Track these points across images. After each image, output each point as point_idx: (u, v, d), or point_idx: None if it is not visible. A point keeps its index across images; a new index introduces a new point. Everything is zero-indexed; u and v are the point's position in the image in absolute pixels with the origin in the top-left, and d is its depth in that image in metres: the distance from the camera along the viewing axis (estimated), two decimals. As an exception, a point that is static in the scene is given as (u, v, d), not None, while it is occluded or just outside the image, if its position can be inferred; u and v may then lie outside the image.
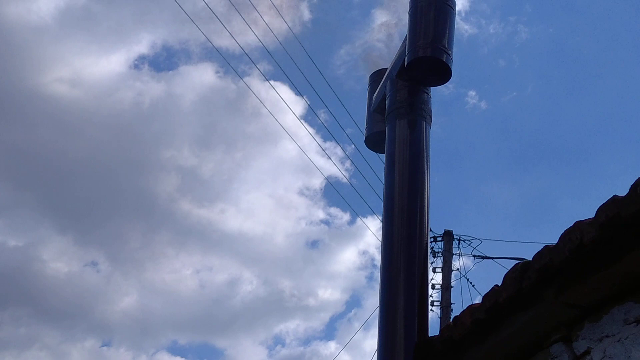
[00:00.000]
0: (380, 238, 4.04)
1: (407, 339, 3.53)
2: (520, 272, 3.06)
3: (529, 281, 3.02)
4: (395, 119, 4.23)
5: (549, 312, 3.12)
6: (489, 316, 3.26)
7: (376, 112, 4.68)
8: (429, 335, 3.67)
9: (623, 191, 2.65)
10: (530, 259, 3.11)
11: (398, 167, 4.06)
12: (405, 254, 3.78)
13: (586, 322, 3.07)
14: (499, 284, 3.25)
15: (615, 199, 2.60)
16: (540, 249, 2.99)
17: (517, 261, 3.29)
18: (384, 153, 4.42)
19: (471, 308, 3.39)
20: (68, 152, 35.59)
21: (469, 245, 18.63)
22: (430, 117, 4.29)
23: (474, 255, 18.50)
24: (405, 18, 4.35)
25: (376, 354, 3.68)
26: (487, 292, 3.28)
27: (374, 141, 4.75)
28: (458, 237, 18.72)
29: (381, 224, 4.05)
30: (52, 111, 34.61)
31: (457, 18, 4.34)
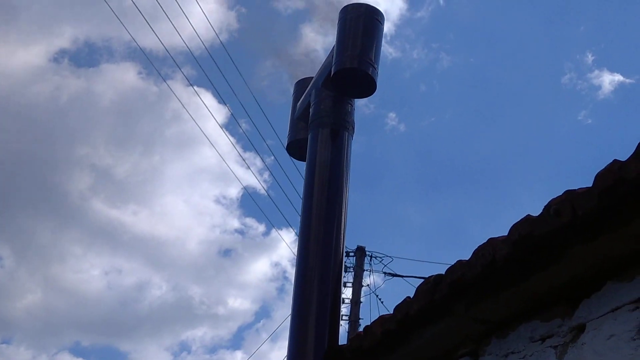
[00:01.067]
0: (294, 251, 4.03)
1: (317, 347, 3.52)
2: (433, 285, 3.09)
3: (440, 294, 3.06)
4: (318, 127, 4.24)
5: (458, 326, 3.16)
6: (400, 327, 3.28)
7: (299, 119, 4.68)
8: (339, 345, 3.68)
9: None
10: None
11: (318, 175, 4.07)
12: (321, 263, 3.78)
13: (493, 337, 3.13)
14: (410, 297, 3.29)
15: (528, 218, 2.66)
16: (453, 264, 3.03)
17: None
18: (304, 161, 4.42)
19: (382, 318, 3.42)
20: (-24, 141, 34.30)
21: (380, 262, 18.89)
22: (353, 128, 4.32)
23: (385, 273, 18.75)
24: (331, 36, 4.39)
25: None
26: (399, 304, 3.31)
27: (295, 148, 4.74)
28: (370, 254, 18.94)
29: (296, 237, 4.04)
30: (-39, 97, 33.36)
31: (382, 40, 4.37)
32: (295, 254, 3.93)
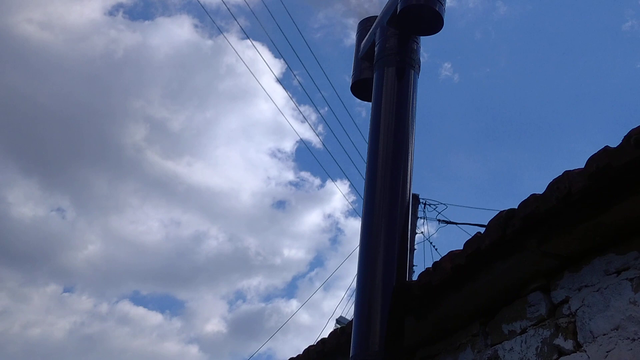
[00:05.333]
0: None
1: (385, 283, 3.55)
2: (505, 220, 3.08)
3: (512, 229, 3.04)
4: (384, 66, 4.21)
5: (529, 261, 3.15)
6: (470, 262, 3.29)
7: (364, 59, 4.65)
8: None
9: None
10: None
11: (384, 113, 4.05)
12: (388, 200, 3.78)
13: (566, 272, 3.12)
14: (480, 232, 3.28)
15: (606, 150, 2.62)
16: (526, 198, 3.01)
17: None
18: (368, 101, 4.40)
19: (452, 254, 3.42)
20: (35, 96, 34.92)
21: (434, 209, 18.79)
22: (419, 66, 4.27)
23: (439, 220, 18.67)
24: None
25: (354, 296, 3.71)
26: (470, 239, 3.31)
27: (359, 88, 4.72)
28: (424, 201, 18.87)
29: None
30: (20, 52, 33.88)
31: None
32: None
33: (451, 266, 3.39)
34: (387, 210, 3.79)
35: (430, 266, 3.64)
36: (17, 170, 37.89)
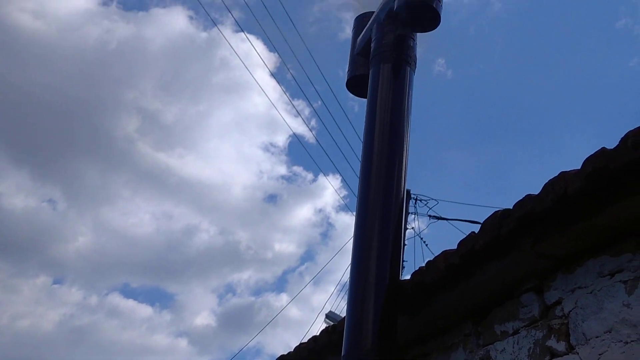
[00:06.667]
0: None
1: (378, 281, 3.53)
2: (500, 219, 3.07)
3: (507, 228, 3.03)
4: (380, 62, 4.18)
5: (523, 261, 3.14)
6: (463, 262, 3.28)
7: (359, 55, 4.62)
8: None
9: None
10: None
11: (380, 110, 4.02)
12: (382, 198, 3.76)
13: (559, 273, 3.11)
14: (474, 232, 3.26)
15: (603, 151, 2.60)
16: (521, 198, 3.00)
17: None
18: (364, 97, 4.37)
19: (446, 253, 3.41)
20: (26, 85, 34.76)
21: (425, 205, 18.85)
22: (415, 63, 4.25)
23: (430, 216, 18.71)
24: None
25: (344, 291, 3.69)
26: (464, 238, 3.29)
27: (355, 85, 4.69)
28: (415, 197, 18.89)
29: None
30: (12, 41, 33.69)
31: None
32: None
33: (445, 265, 3.38)
34: (381, 207, 3.77)
35: (423, 264, 3.63)
36: (8, 161, 37.76)
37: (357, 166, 4.08)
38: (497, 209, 3.15)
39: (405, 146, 3.98)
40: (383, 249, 3.60)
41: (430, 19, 4.20)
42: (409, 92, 4.12)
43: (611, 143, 2.60)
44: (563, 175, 2.77)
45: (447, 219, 18.64)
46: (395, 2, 4.16)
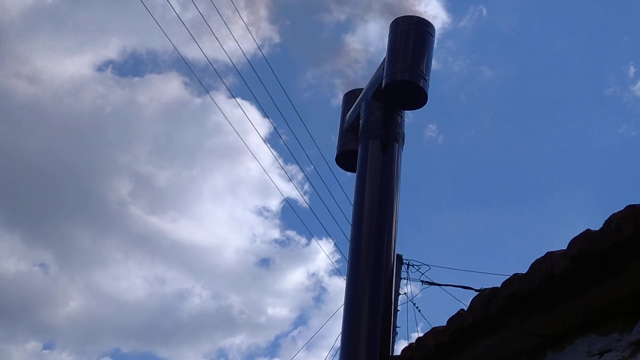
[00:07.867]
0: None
1: (368, 357, 3.54)
2: (488, 298, 3.09)
3: (495, 307, 3.06)
4: (369, 139, 4.27)
5: (512, 339, 3.16)
6: (453, 339, 3.29)
7: (349, 130, 4.71)
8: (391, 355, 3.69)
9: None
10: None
11: (369, 186, 4.09)
12: (371, 274, 3.80)
13: (549, 351, 3.12)
14: (464, 309, 3.29)
15: (588, 233, 2.65)
16: (509, 277, 3.03)
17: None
18: (353, 171, 4.45)
19: (435, 331, 3.42)
20: (20, 149, 34.81)
21: (418, 270, 18.78)
22: (403, 140, 4.34)
23: (422, 281, 18.63)
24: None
25: (337, 357, 3.69)
26: (452, 316, 3.31)
27: (344, 159, 4.78)
28: (407, 262, 18.85)
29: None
30: (6, 105, 33.90)
31: (433, 52, 4.39)
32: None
33: (434, 342, 3.39)
34: (371, 283, 3.80)
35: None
36: (1, 225, 37.60)
37: (349, 231, 4.14)
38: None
39: (394, 219, 4.03)
40: (372, 327, 3.63)
41: (417, 98, 4.30)
42: (397, 168, 4.20)
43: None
44: (549, 255, 2.81)
45: (439, 285, 18.57)
46: (383, 81, 4.26)
